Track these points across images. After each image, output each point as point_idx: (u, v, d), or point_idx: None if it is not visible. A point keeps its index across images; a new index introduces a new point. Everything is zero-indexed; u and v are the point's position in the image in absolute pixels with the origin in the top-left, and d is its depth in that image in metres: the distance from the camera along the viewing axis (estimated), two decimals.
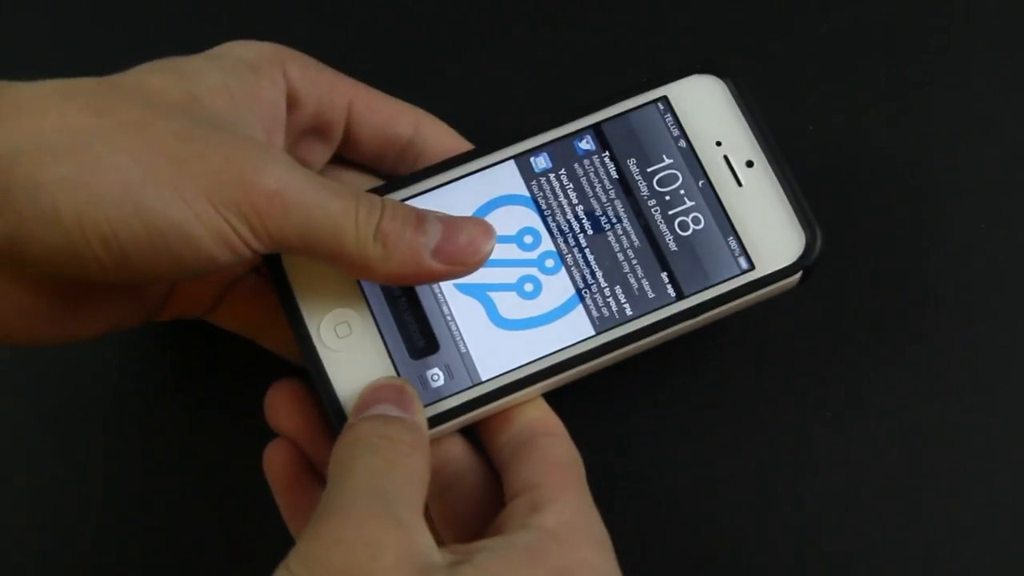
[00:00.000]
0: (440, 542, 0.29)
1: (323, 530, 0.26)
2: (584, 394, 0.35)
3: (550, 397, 0.34)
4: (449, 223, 0.31)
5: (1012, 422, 0.38)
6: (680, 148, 0.33)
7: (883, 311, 0.39)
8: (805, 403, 0.38)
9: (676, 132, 0.33)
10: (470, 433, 0.34)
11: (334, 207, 0.29)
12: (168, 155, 0.28)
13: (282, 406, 0.33)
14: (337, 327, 0.32)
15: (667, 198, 0.33)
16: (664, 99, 0.34)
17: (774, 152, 0.33)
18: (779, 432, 0.38)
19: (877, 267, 0.39)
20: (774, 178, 0.33)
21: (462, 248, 0.30)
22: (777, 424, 0.38)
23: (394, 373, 0.32)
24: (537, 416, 0.33)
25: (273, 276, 0.32)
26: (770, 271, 0.32)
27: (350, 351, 0.32)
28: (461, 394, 0.32)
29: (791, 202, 0.33)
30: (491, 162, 0.34)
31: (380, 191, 0.33)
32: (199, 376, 0.39)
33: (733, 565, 0.37)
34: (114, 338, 0.38)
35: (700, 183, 0.33)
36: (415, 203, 0.33)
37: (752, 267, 0.33)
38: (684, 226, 0.33)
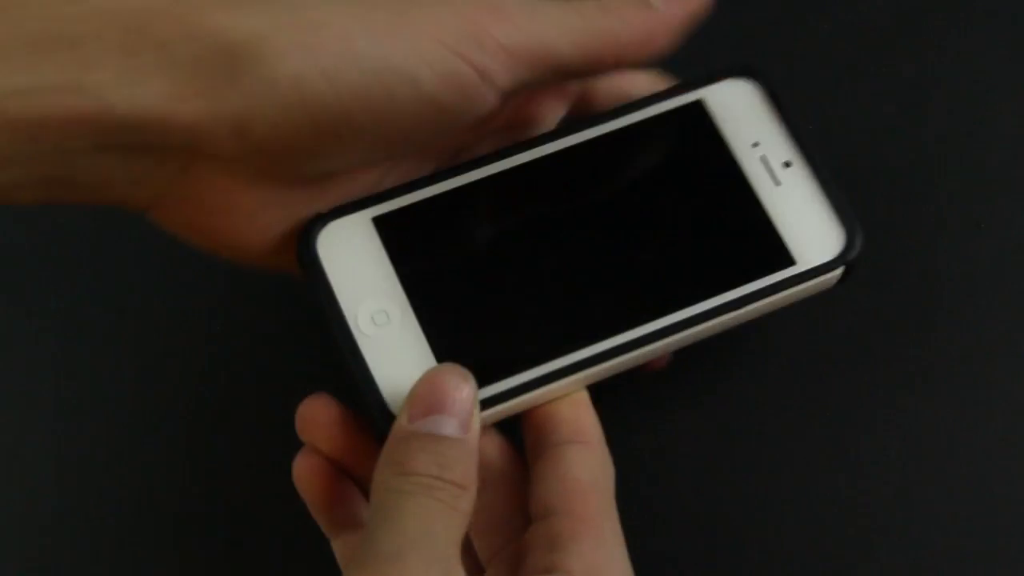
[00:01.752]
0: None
1: None
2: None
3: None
4: None
5: (1013, 422, 0.38)
6: (718, 149, 0.34)
7: (883, 310, 0.39)
8: (806, 403, 0.38)
9: (713, 134, 0.34)
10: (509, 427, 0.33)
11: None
12: (391, 10, 0.28)
13: (317, 420, 0.31)
14: (375, 315, 0.31)
15: (707, 195, 0.33)
16: (699, 103, 0.34)
17: (811, 152, 0.33)
18: (778, 432, 0.38)
19: (877, 267, 0.39)
20: (812, 177, 0.33)
21: None
22: (777, 424, 0.38)
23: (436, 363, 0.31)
24: (567, 417, 0.31)
25: (304, 261, 0.31)
26: (811, 266, 0.33)
27: (391, 340, 0.31)
28: (497, 384, 0.31)
29: (831, 200, 0.33)
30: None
31: None
32: (207, 380, 0.39)
33: (738, 566, 0.37)
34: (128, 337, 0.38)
35: (739, 182, 0.33)
36: None
37: (793, 262, 0.33)
38: (726, 222, 0.33)
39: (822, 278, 0.33)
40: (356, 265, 0.32)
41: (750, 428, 0.38)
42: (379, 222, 0.32)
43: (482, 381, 0.30)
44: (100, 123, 0.26)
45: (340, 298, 0.31)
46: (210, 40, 0.26)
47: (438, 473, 0.27)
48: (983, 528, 0.37)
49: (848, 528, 0.37)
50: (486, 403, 0.30)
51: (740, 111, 0.34)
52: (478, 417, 0.29)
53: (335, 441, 0.31)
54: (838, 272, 0.33)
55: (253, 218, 0.30)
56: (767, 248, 0.33)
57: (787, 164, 0.33)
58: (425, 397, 0.28)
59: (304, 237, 0.31)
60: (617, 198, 0.33)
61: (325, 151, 0.29)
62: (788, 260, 0.33)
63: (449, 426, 0.28)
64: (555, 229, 0.33)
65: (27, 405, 0.39)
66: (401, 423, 0.28)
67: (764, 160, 0.33)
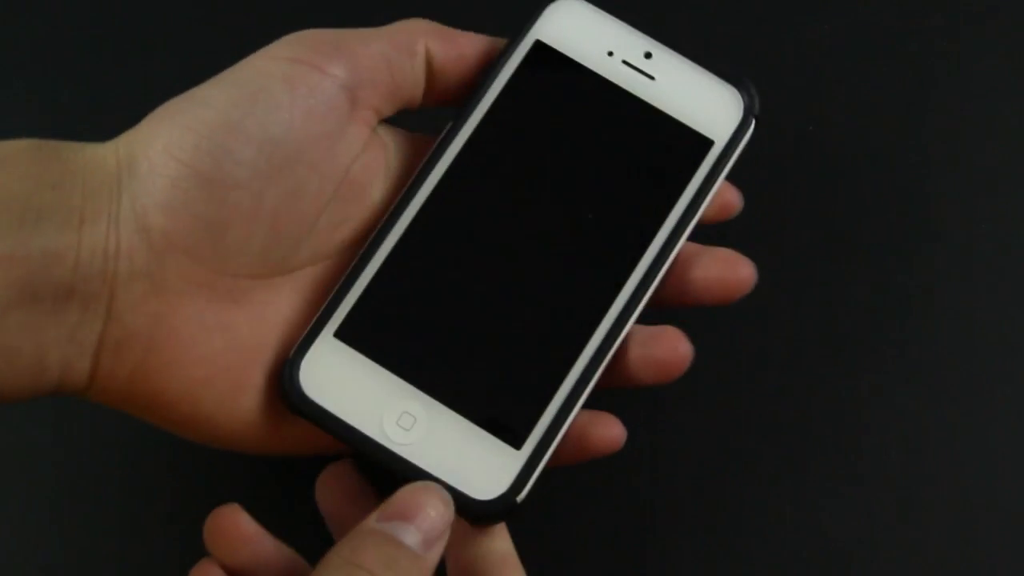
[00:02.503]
0: None
1: None
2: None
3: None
4: None
5: (1013, 422, 0.38)
6: (582, 76, 0.33)
7: (883, 310, 0.39)
8: (806, 403, 0.38)
9: (569, 64, 0.33)
10: None
11: None
12: (226, 76, 0.30)
13: (224, 534, 0.30)
14: (400, 422, 0.30)
15: (601, 124, 0.33)
16: (539, 43, 0.33)
17: (661, 38, 0.33)
18: (778, 432, 0.38)
19: (877, 267, 0.39)
20: (677, 56, 0.33)
21: None
22: (776, 424, 0.38)
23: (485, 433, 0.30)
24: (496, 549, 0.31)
25: (305, 413, 0.30)
26: (728, 136, 0.33)
27: (431, 435, 0.30)
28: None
29: (705, 66, 0.33)
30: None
31: None
32: None
33: (738, 566, 0.37)
34: None
35: (619, 95, 0.33)
36: None
37: (711, 141, 0.33)
38: (631, 140, 0.33)
39: (742, 140, 0.33)
40: (351, 387, 0.30)
41: (750, 428, 0.38)
42: (343, 334, 0.31)
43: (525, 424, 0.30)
44: (17, 265, 0.26)
45: (359, 425, 0.30)
46: (91, 169, 0.28)
47: (380, 573, 0.27)
48: (982, 528, 0.37)
49: (848, 528, 0.37)
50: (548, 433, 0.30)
51: (577, 31, 0.33)
52: (442, 545, 0.28)
53: (241, 556, 0.30)
54: (751, 127, 0.33)
55: (194, 347, 0.29)
56: (681, 142, 0.33)
57: (648, 55, 0.33)
58: (399, 504, 0.28)
59: (289, 391, 0.30)
60: (532, 179, 0.32)
61: (229, 219, 0.28)
62: (706, 142, 0.33)
63: (411, 537, 0.27)
64: (497, 238, 0.32)
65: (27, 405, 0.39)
66: (370, 519, 0.28)
67: (627, 63, 0.33)
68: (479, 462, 0.30)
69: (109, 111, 0.41)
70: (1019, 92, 0.41)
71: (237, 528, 0.30)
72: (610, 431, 0.31)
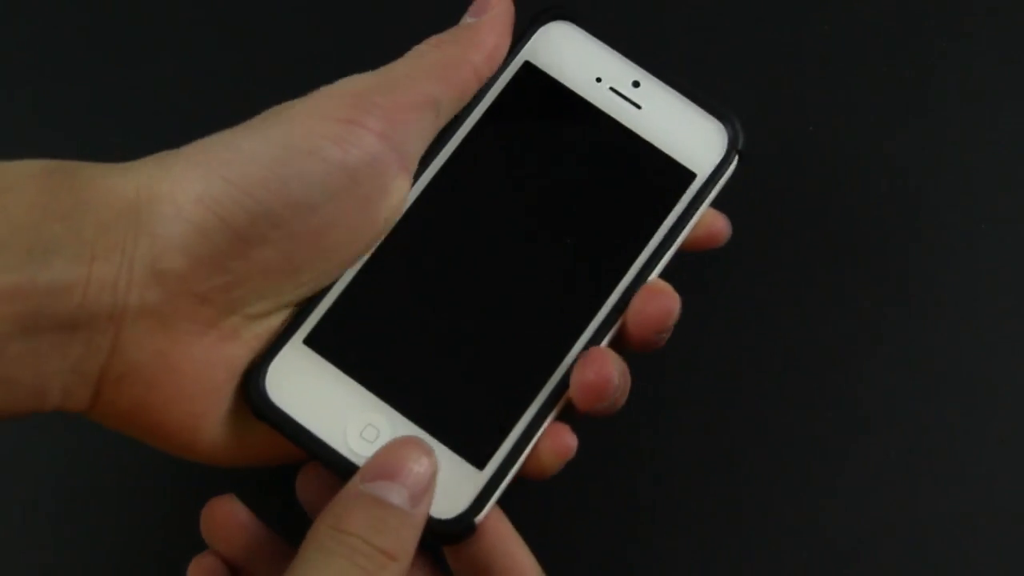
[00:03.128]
0: None
1: None
2: None
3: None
4: None
5: (1013, 422, 0.38)
6: (569, 100, 0.33)
7: (883, 310, 0.39)
8: (806, 403, 0.38)
9: (556, 88, 0.33)
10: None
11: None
12: (269, 118, 0.29)
13: (220, 523, 0.31)
14: (364, 433, 0.30)
15: (585, 151, 0.33)
16: (527, 64, 0.33)
17: (651, 64, 0.33)
18: (778, 433, 0.38)
19: (877, 267, 0.40)
20: (665, 86, 0.33)
21: None
22: (776, 425, 0.38)
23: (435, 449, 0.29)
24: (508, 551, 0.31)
25: (267, 416, 0.29)
26: (711, 169, 0.32)
27: None
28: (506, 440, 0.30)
29: (692, 99, 0.33)
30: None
31: None
32: None
33: (732, 566, 0.37)
34: None
35: (605, 121, 0.33)
36: None
37: (693, 174, 0.32)
38: (613, 168, 0.32)
39: (725, 174, 0.32)
40: (316, 394, 0.30)
41: (750, 429, 0.38)
42: (312, 341, 0.30)
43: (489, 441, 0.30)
44: (22, 298, 0.25)
45: (321, 434, 0.29)
46: (107, 201, 0.27)
47: (369, 537, 0.26)
48: (983, 528, 0.37)
49: (848, 528, 0.37)
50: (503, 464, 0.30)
51: (567, 55, 0.33)
52: (430, 497, 0.28)
53: (236, 544, 0.31)
54: (735, 162, 0.33)
55: (196, 383, 0.29)
56: (664, 173, 0.32)
57: (636, 84, 0.33)
58: (381, 463, 0.28)
59: (253, 395, 0.29)
60: (510, 202, 0.32)
61: (251, 273, 0.28)
62: (688, 175, 0.32)
63: (397, 495, 0.27)
64: (472, 258, 0.31)
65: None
66: (353, 482, 0.27)
67: (614, 91, 0.33)
68: (440, 480, 0.29)
69: (109, 111, 0.41)
70: (1019, 92, 0.41)
71: (233, 517, 0.31)
72: (562, 441, 0.30)
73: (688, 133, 0.33)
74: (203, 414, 0.29)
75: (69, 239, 0.26)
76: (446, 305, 0.31)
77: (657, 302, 0.31)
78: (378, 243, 0.31)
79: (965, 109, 0.41)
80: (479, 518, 0.29)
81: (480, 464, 0.30)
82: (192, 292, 0.27)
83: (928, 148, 0.41)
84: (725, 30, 0.42)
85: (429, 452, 0.28)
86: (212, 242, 0.27)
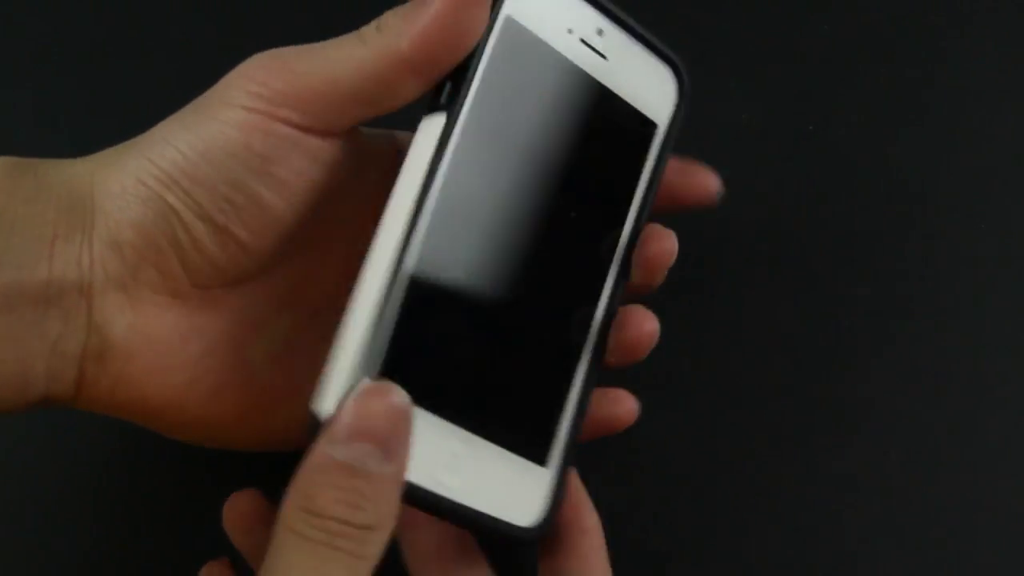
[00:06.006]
0: None
1: None
2: None
3: None
4: None
5: (1013, 422, 0.38)
6: (550, 56, 0.31)
7: (883, 311, 0.39)
8: (805, 404, 0.38)
9: (538, 44, 0.31)
10: None
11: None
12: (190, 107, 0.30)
13: (243, 519, 0.31)
14: (449, 464, 0.28)
15: (570, 109, 0.32)
16: (509, 18, 0.30)
17: (607, 8, 0.32)
18: (778, 433, 0.38)
19: (877, 266, 0.40)
20: (623, 32, 0.32)
21: None
22: (776, 425, 0.38)
23: (529, 463, 0.29)
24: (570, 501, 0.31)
25: None
26: (668, 119, 0.33)
27: (474, 475, 0.28)
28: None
29: (646, 45, 0.33)
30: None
31: None
32: None
33: (732, 566, 0.37)
34: None
35: (581, 78, 0.32)
36: None
37: (655, 124, 0.32)
38: (593, 124, 0.32)
39: (679, 121, 0.33)
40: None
41: (750, 429, 0.38)
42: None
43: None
44: None
45: (413, 477, 0.27)
46: (66, 187, 0.29)
47: (346, 516, 0.25)
48: (983, 528, 0.37)
49: (848, 528, 0.37)
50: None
51: (543, 5, 0.31)
52: (406, 444, 0.26)
53: (256, 538, 0.32)
54: (683, 109, 0.33)
55: (172, 355, 0.30)
56: (632, 125, 0.32)
57: (600, 32, 0.32)
58: (349, 419, 0.25)
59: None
60: (522, 181, 0.30)
61: (192, 243, 0.29)
62: (651, 125, 0.32)
63: (371, 456, 0.25)
64: (494, 247, 0.30)
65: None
66: (319, 446, 0.25)
67: (584, 41, 0.32)
68: (516, 488, 0.29)
69: (110, 111, 0.41)
70: (1019, 92, 0.41)
71: (255, 511, 0.31)
72: (624, 407, 0.33)
73: (647, 81, 0.33)
74: (186, 386, 0.30)
75: (33, 219, 0.28)
76: (485, 307, 0.30)
77: (659, 244, 0.32)
78: (404, 249, 0.28)
79: (965, 109, 0.41)
80: (553, 514, 0.29)
81: (543, 461, 0.30)
82: (149, 261, 0.29)
83: (928, 148, 0.41)
84: (725, 30, 0.42)
85: (394, 392, 0.26)
86: (154, 212, 0.29)
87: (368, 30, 0.29)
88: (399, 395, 0.26)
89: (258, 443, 0.32)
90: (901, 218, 0.40)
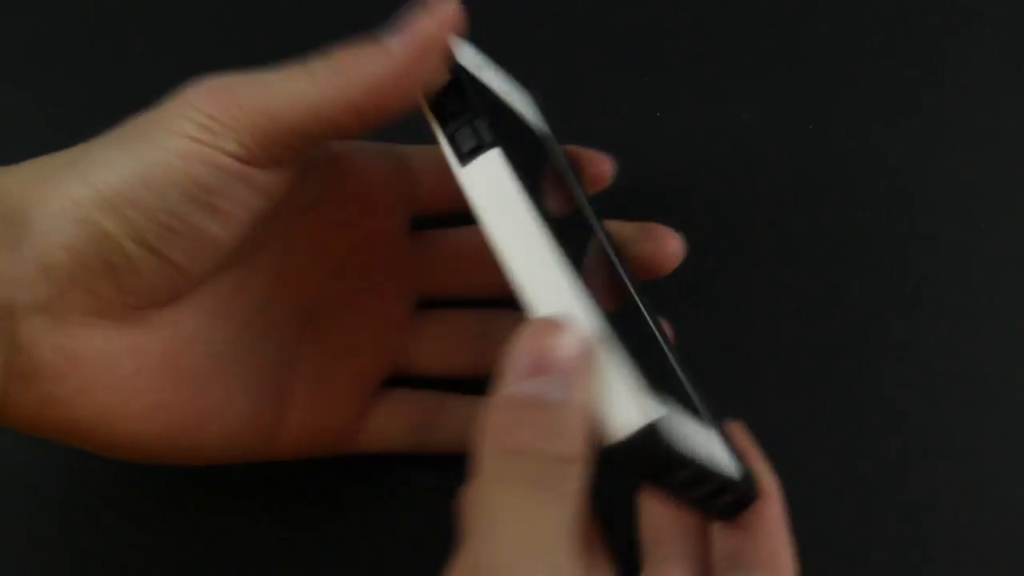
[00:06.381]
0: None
1: None
2: None
3: None
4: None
5: (1013, 422, 0.38)
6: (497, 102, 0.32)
7: (883, 311, 0.39)
8: (805, 404, 0.38)
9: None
10: None
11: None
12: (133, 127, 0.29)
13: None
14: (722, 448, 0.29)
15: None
16: (457, 71, 0.30)
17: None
18: (778, 433, 0.38)
19: (877, 267, 0.40)
20: (493, 65, 0.34)
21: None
22: (776, 425, 0.38)
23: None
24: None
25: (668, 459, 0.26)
26: (546, 129, 0.35)
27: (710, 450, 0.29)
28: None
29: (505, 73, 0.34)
30: None
31: None
32: None
33: None
34: None
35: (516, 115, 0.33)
36: None
37: (549, 135, 0.35)
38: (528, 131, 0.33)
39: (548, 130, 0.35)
40: (688, 432, 0.28)
41: (749, 428, 0.38)
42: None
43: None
44: None
45: (711, 465, 0.28)
46: None
47: (545, 448, 0.25)
48: (983, 528, 0.37)
49: (848, 528, 0.37)
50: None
51: (470, 57, 0.31)
52: (585, 371, 0.25)
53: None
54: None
55: (102, 375, 0.29)
56: (541, 144, 0.34)
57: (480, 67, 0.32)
58: (525, 356, 0.26)
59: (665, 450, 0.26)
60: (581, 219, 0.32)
61: (128, 267, 0.28)
62: (548, 137, 0.35)
63: (557, 388, 0.25)
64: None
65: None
66: (500, 394, 0.26)
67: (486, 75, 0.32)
68: (713, 446, 0.29)
69: (110, 111, 0.41)
70: (1019, 92, 0.41)
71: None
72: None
73: (526, 102, 0.35)
74: (117, 406, 0.29)
75: None
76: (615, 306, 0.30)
77: (661, 244, 0.34)
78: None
79: (965, 109, 0.41)
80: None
81: (701, 422, 0.30)
82: (80, 286, 0.28)
83: (928, 148, 0.41)
84: (725, 30, 0.42)
85: (567, 325, 0.26)
86: (89, 236, 0.28)
87: (320, 68, 0.28)
88: (570, 328, 0.26)
89: (193, 457, 0.32)
90: (901, 218, 0.40)
